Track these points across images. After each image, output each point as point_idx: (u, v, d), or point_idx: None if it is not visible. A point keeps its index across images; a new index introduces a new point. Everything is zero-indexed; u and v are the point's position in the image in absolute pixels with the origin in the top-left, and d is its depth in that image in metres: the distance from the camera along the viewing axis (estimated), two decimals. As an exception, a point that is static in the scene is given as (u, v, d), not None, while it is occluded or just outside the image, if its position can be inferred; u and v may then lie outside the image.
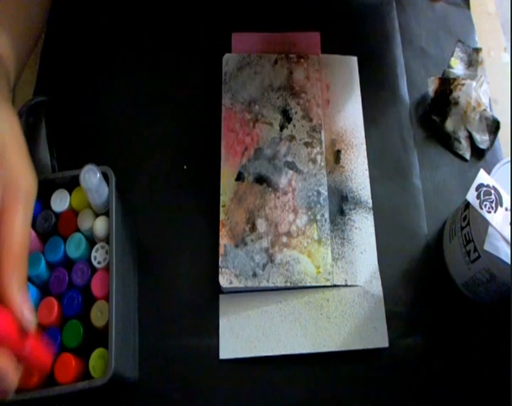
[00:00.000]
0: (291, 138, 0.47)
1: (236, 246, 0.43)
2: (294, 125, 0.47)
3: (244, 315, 0.42)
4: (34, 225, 0.39)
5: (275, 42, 0.51)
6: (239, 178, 0.45)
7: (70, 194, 0.40)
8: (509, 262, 0.35)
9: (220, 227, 0.43)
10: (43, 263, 0.37)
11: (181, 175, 0.47)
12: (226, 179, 0.45)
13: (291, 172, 0.45)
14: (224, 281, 0.41)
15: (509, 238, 0.36)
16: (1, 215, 0.28)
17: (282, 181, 0.45)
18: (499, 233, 0.36)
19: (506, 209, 0.37)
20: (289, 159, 0.46)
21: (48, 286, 0.37)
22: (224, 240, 0.43)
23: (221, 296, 0.43)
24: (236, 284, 0.41)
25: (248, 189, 0.45)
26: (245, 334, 0.41)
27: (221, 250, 0.42)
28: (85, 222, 0.39)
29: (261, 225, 0.43)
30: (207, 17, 0.54)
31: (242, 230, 0.43)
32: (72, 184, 0.40)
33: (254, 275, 0.42)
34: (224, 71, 0.49)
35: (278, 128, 0.47)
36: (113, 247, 0.37)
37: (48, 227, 0.39)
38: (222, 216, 0.44)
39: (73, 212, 0.40)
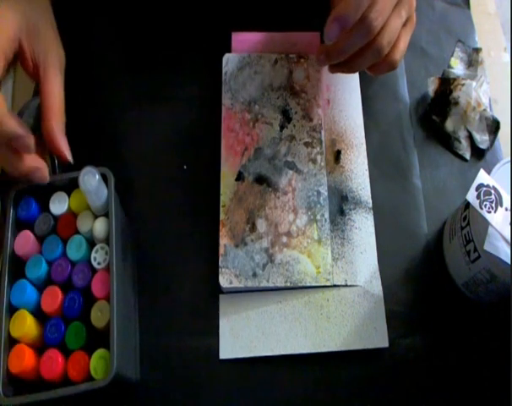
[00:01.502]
0: (291, 138, 0.47)
1: (236, 246, 0.43)
2: (294, 125, 0.47)
3: (244, 315, 0.42)
4: (32, 228, 0.39)
5: (275, 42, 0.51)
6: (239, 178, 0.45)
7: (69, 196, 0.40)
8: (509, 262, 0.36)
9: (220, 227, 0.43)
10: (44, 265, 0.37)
11: (181, 175, 0.47)
12: (226, 179, 0.45)
13: (291, 172, 0.45)
14: (224, 281, 0.41)
15: (509, 238, 0.36)
16: (43, 79, 0.38)
17: (282, 181, 0.45)
18: (499, 233, 0.36)
19: (506, 209, 0.37)
20: (289, 159, 0.46)
21: (50, 276, 0.38)
22: (224, 240, 0.43)
23: (221, 296, 0.43)
24: (236, 284, 0.41)
25: (248, 189, 0.45)
26: (245, 334, 0.41)
27: (221, 250, 0.42)
28: (85, 223, 0.39)
29: (261, 225, 0.43)
30: (207, 17, 0.54)
31: (242, 230, 0.43)
32: (71, 186, 0.40)
33: (254, 275, 0.42)
34: (224, 71, 0.49)
35: (278, 128, 0.47)
36: (113, 248, 0.37)
37: (47, 229, 0.39)
38: (222, 216, 0.44)
39: (72, 215, 0.40)
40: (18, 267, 0.38)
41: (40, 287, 0.37)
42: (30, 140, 0.36)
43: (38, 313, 0.37)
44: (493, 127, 0.49)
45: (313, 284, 0.42)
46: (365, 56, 0.40)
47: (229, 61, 0.50)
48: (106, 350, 0.35)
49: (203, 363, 0.41)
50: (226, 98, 0.48)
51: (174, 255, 0.44)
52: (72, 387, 0.34)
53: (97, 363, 0.35)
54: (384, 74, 0.43)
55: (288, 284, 0.42)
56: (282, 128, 0.47)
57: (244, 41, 0.51)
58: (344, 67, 0.42)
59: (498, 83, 0.52)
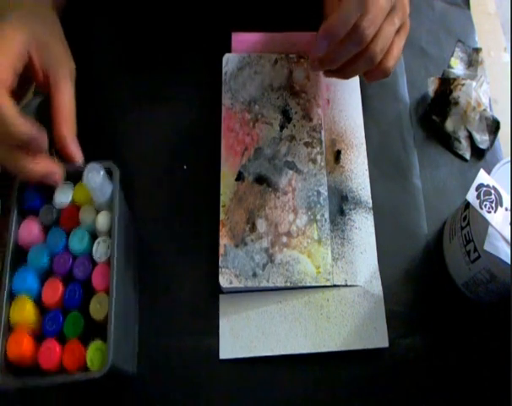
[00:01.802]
0: (291, 138, 0.47)
1: (236, 246, 0.43)
2: (294, 125, 0.47)
3: (244, 315, 0.42)
4: (36, 218, 0.39)
5: (275, 42, 0.51)
6: (239, 178, 0.45)
7: (73, 187, 0.40)
8: (509, 262, 0.36)
9: (220, 227, 0.43)
10: (46, 255, 0.38)
11: (181, 175, 0.47)
12: (226, 179, 0.45)
13: (291, 172, 0.45)
14: (224, 281, 0.41)
15: (509, 238, 0.36)
16: (54, 89, 0.39)
17: (282, 181, 0.45)
18: (499, 233, 0.36)
19: (506, 209, 0.37)
20: (289, 159, 0.46)
21: (52, 267, 0.38)
22: (224, 240, 0.43)
23: (221, 296, 0.43)
24: (236, 284, 0.41)
25: (248, 189, 0.45)
26: (245, 334, 0.41)
27: (221, 250, 0.42)
28: (87, 216, 0.39)
29: (261, 225, 0.43)
30: (207, 17, 0.54)
31: (242, 230, 0.43)
32: (75, 178, 0.40)
33: (254, 275, 0.42)
34: (224, 71, 0.49)
35: (278, 128, 0.47)
36: (115, 241, 0.37)
37: (51, 220, 0.39)
38: (222, 216, 0.44)
39: (75, 206, 0.40)
40: (21, 256, 0.38)
41: (42, 276, 0.38)
42: (44, 141, 0.36)
43: (38, 302, 0.37)
44: (493, 127, 0.49)
45: (313, 284, 0.42)
46: (358, 63, 0.40)
47: (229, 61, 0.50)
48: (104, 342, 0.35)
49: (203, 363, 0.41)
50: (226, 98, 0.48)
51: (174, 254, 0.44)
52: (67, 376, 0.34)
53: (94, 354, 0.35)
54: (378, 80, 0.43)
55: (288, 284, 0.42)
56: (282, 128, 0.47)
57: (244, 41, 0.51)
58: (338, 73, 0.42)
59: (498, 83, 0.52)
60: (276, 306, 0.42)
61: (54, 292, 0.37)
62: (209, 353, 0.41)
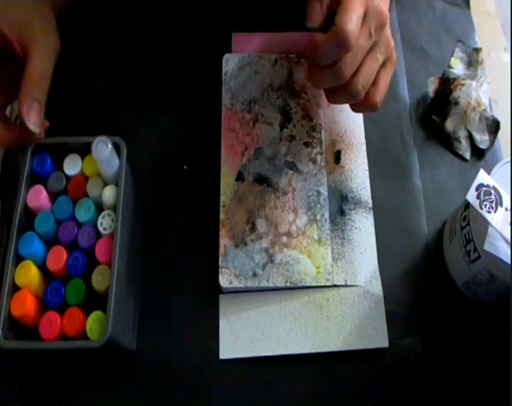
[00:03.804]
0: (291, 138, 0.47)
1: (236, 246, 0.43)
2: (294, 125, 0.47)
3: (244, 315, 0.42)
4: (45, 185, 0.40)
5: (275, 42, 0.51)
6: (239, 177, 0.45)
7: (82, 159, 0.40)
8: (509, 262, 0.36)
9: (220, 227, 0.43)
10: (52, 221, 0.38)
11: (181, 175, 0.47)
12: (225, 179, 0.45)
13: (291, 172, 0.45)
14: (224, 281, 0.41)
15: (509, 238, 0.36)
16: (28, 56, 0.39)
17: (282, 181, 0.45)
18: (499, 233, 0.36)
19: (506, 209, 0.37)
20: (289, 159, 0.46)
21: (57, 235, 0.38)
22: (224, 240, 0.43)
23: (221, 296, 0.43)
24: (236, 284, 0.41)
25: (248, 189, 0.45)
26: (245, 334, 0.41)
27: (221, 250, 0.42)
28: (95, 188, 0.39)
29: (261, 225, 0.43)
30: (207, 17, 0.54)
31: (242, 230, 0.43)
32: (85, 150, 0.40)
33: (254, 275, 0.42)
34: (224, 71, 0.49)
35: (278, 128, 0.47)
36: (119, 215, 0.38)
37: (59, 187, 0.40)
38: (222, 216, 0.44)
39: (83, 177, 0.40)
40: (28, 221, 0.38)
41: (48, 243, 0.38)
42: None
43: (43, 268, 0.37)
44: (493, 127, 0.49)
45: (313, 284, 0.42)
46: (341, 96, 0.40)
47: (229, 61, 0.50)
48: (103, 313, 0.36)
49: (203, 363, 0.41)
50: (226, 98, 0.48)
51: (174, 254, 0.44)
52: (66, 342, 0.35)
53: (93, 324, 0.35)
54: (366, 112, 0.43)
55: (288, 284, 0.42)
56: (282, 128, 0.47)
57: (244, 41, 0.51)
58: (326, 95, 0.42)
59: (498, 83, 0.52)
60: (276, 306, 0.42)
61: (58, 259, 0.37)
62: (209, 353, 0.41)
